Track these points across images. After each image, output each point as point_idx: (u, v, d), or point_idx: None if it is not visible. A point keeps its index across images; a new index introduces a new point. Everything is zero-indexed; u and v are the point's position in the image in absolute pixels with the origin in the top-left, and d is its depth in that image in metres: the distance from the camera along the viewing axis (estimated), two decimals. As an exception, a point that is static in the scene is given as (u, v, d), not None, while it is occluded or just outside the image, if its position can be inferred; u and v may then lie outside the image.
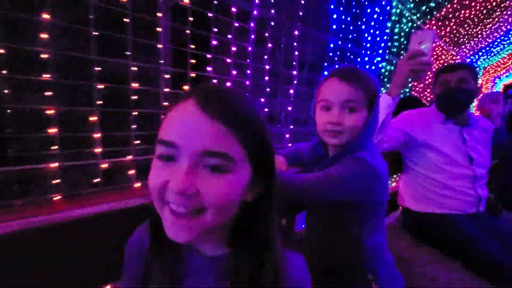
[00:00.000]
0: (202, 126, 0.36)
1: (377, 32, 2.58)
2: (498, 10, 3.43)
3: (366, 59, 2.54)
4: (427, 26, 3.13)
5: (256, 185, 0.43)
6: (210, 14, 1.34)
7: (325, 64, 2.14)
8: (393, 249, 0.95)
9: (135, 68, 1.15)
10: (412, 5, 2.86)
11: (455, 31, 3.36)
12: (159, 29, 1.22)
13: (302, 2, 1.81)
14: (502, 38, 4.31)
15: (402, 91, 1.10)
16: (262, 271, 0.43)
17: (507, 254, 1.13)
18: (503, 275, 1.08)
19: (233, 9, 1.43)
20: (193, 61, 1.32)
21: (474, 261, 1.17)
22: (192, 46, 1.31)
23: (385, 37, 2.69)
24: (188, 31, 1.29)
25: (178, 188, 0.36)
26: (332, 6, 2.08)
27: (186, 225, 0.38)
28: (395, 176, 2.30)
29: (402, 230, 1.50)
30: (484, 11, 3.29)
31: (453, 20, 3.15)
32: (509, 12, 3.51)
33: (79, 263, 0.73)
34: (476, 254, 1.17)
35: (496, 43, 4.41)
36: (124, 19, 1.10)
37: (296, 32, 1.82)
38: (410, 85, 3.14)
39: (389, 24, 2.70)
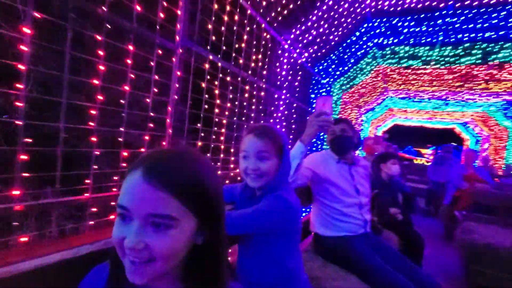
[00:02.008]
0: (147, 194, 0.44)
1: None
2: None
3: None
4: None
5: (205, 231, 0.50)
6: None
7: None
8: (308, 270, 1.14)
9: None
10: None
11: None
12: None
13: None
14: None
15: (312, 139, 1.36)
16: None
17: (387, 265, 1.43)
18: (385, 282, 1.35)
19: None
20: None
21: (365, 273, 1.43)
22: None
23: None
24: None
25: (130, 246, 0.44)
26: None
27: (140, 271, 0.45)
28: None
29: (314, 253, 1.72)
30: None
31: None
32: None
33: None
34: (366, 267, 1.44)
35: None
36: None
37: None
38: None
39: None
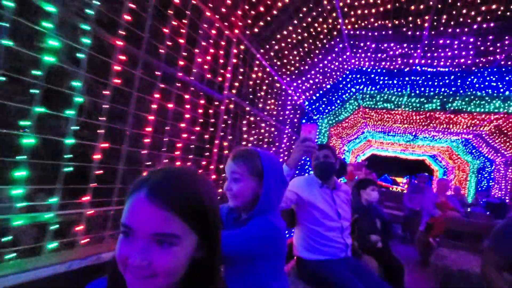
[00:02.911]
0: (151, 214, 0.46)
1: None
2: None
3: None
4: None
5: (203, 247, 0.52)
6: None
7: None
8: None
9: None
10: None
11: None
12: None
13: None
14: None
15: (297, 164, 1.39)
16: None
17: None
18: None
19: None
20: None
21: None
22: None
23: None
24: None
25: (135, 264, 0.45)
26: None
27: (142, 286, 0.47)
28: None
29: (296, 277, 1.76)
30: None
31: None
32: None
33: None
34: None
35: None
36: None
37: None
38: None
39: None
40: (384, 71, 4.06)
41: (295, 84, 3.67)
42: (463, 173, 9.55)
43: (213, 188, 0.55)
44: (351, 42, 3.41)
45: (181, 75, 1.80)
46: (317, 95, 4.26)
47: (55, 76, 1.23)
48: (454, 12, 2.72)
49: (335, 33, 3.19)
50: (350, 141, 8.88)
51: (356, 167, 4.53)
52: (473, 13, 2.69)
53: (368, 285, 1.53)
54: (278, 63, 3.12)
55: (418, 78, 4.13)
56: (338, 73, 4.10)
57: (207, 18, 2.01)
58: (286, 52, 3.08)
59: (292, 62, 3.30)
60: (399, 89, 4.63)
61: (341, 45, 3.48)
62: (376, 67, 3.96)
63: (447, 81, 4.14)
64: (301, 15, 2.76)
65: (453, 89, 4.37)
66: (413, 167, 14.46)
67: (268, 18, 2.63)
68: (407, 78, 4.16)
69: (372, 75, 4.27)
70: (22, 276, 0.76)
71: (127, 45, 1.38)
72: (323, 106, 4.84)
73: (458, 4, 2.64)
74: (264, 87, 3.00)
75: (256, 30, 2.62)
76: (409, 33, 2.90)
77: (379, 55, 3.54)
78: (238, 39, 2.37)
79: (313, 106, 4.62)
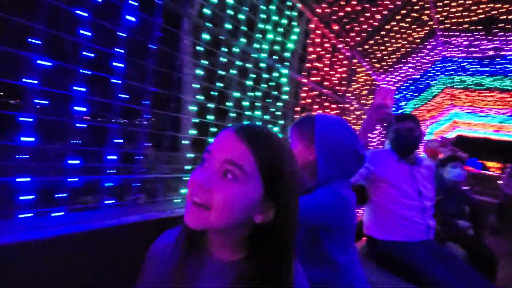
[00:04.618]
0: (231, 143, 0.50)
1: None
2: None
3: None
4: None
5: (269, 208, 0.51)
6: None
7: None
8: None
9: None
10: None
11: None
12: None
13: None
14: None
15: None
16: (275, 278, 0.50)
17: (452, 277, 1.33)
18: None
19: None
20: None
21: (427, 284, 1.33)
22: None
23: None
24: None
25: (198, 182, 0.49)
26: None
27: (196, 214, 0.49)
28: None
29: (367, 257, 1.65)
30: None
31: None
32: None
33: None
34: (428, 277, 1.34)
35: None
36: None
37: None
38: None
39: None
40: (476, 60, 4.39)
41: (387, 78, 4.36)
42: None
43: (293, 157, 0.54)
44: (444, 40, 3.93)
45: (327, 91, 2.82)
46: (406, 84, 4.83)
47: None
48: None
49: (428, 33, 3.76)
50: (433, 123, 8.85)
51: (441, 143, 3.97)
52: None
53: (455, 272, 1.37)
54: (376, 64, 3.88)
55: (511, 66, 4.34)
56: (428, 65, 4.60)
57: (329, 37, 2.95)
58: (384, 53, 3.81)
59: (387, 59, 4.01)
60: (490, 75, 4.84)
61: (434, 43, 4.02)
62: (468, 57, 4.34)
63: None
64: (397, 19, 3.45)
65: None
66: (508, 149, 13.00)
67: (370, 29, 3.40)
68: (498, 67, 4.41)
69: (463, 64, 4.62)
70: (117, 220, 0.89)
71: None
72: (410, 93, 5.34)
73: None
74: (367, 87, 3.83)
75: (361, 41, 3.44)
76: (501, 34, 3.32)
77: (471, 49, 3.96)
78: (352, 54, 3.24)
79: (400, 95, 5.18)
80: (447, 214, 2.21)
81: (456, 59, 4.42)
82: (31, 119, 0.95)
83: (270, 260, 0.51)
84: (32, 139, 0.95)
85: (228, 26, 1.70)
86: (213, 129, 1.69)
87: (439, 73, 5.12)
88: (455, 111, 8.31)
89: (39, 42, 0.98)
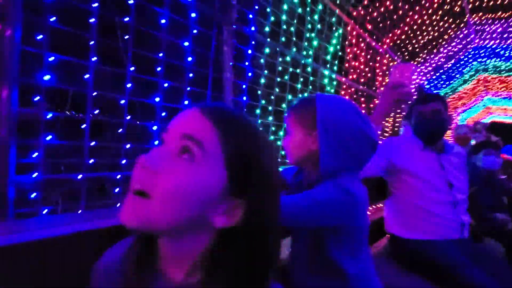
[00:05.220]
0: (191, 117, 0.41)
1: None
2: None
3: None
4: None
5: (235, 208, 0.39)
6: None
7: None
8: (382, 278, 0.92)
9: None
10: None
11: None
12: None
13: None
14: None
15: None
16: None
17: (491, 280, 1.15)
18: None
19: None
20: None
21: (460, 287, 1.18)
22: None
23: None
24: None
25: (143, 163, 0.37)
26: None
27: (132, 206, 0.37)
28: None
29: (389, 257, 1.50)
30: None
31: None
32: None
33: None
34: (462, 279, 1.18)
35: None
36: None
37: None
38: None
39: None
40: (510, 46, 4.36)
41: (418, 70, 4.43)
42: None
43: (271, 148, 0.45)
44: (476, 28, 3.96)
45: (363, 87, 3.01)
46: (437, 74, 4.86)
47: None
48: None
49: (461, 24, 3.82)
50: (465, 111, 8.64)
51: (473, 128, 3.71)
52: None
53: (493, 274, 1.21)
54: (407, 57, 3.99)
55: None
56: (460, 54, 4.61)
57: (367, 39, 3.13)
58: (416, 46, 3.91)
59: (418, 51, 4.10)
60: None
61: (465, 31, 4.05)
62: (502, 44, 4.32)
63: None
64: (429, 13, 3.54)
65: None
66: (550, 134, 12.27)
67: (406, 28, 3.53)
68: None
69: (497, 50, 4.59)
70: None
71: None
72: (441, 82, 5.35)
73: None
74: (381, 70, 3.95)
75: (394, 37, 3.57)
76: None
77: (505, 35, 3.96)
78: (386, 51, 3.40)
79: (431, 84, 5.21)
80: (483, 207, 1.99)
81: (489, 45, 4.41)
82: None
83: (236, 285, 0.38)
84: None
85: (282, 39, 1.98)
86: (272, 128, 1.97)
87: (472, 60, 5.09)
88: (489, 97, 8.07)
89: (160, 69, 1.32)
